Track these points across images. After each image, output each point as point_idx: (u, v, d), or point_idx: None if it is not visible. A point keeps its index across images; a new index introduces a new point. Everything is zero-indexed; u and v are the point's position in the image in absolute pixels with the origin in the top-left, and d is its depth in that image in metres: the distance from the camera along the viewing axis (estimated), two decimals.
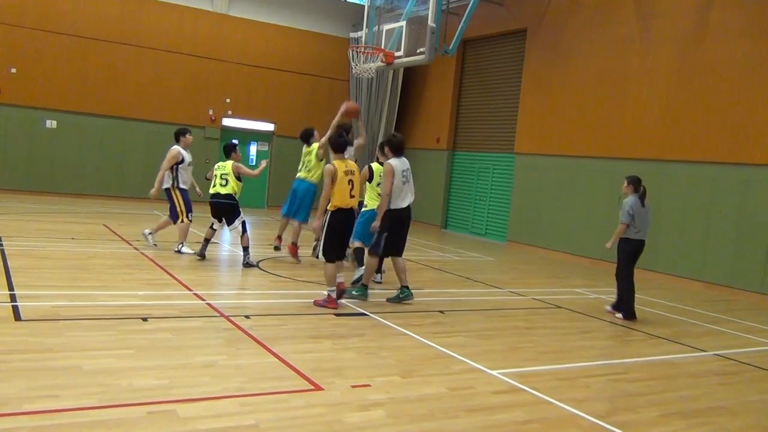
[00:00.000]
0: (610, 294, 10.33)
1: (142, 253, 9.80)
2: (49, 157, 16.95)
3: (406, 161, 8.24)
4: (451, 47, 13.96)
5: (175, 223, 10.24)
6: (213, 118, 18.84)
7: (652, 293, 10.82)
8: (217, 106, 18.96)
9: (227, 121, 19.15)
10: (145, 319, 6.19)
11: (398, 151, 8.13)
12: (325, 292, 7.50)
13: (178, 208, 10.14)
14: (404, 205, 8.07)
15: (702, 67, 12.15)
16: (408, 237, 8.55)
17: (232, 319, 6.53)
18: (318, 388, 4.78)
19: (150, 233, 10.51)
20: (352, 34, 19.53)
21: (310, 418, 4.25)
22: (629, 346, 7.14)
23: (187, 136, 10.34)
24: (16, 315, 5.97)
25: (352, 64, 14.56)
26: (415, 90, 20.09)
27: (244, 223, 9.79)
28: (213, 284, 8.39)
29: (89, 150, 17.39)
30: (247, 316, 6.68)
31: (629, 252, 8.48)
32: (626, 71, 13.49)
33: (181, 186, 10.18)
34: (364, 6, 15.34)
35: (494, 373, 5.57)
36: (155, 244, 10.42)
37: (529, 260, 13.92)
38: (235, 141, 10.46)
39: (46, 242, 10.09)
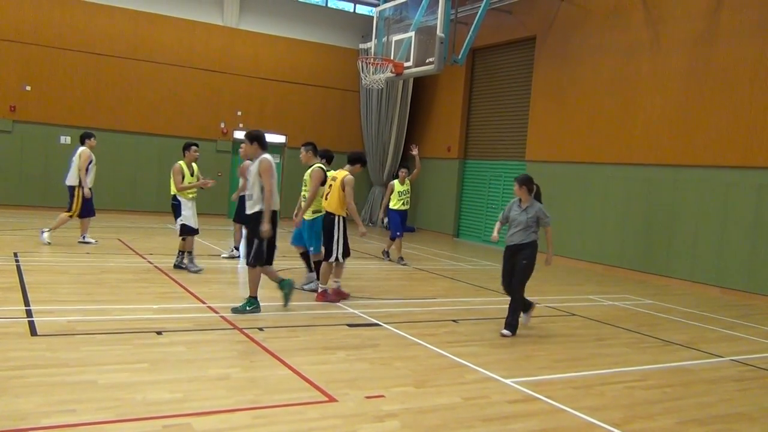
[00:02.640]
0: (625, 300, 10.27)
1: (156, 267, 9.86)
2: (64, 173, 17.07)
3: None
4: (460, 56, 13.98)
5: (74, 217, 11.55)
6: (225, 131, 18.96)
7: (668, 299, 10.74)
8: (229, 119, 19.09)
9: (239, 134, 19.26)
10: (159, 333, 6.23)
11: (266, 146, 7.51)
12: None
13: (75, 204, 11.48)
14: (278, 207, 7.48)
15: (713, 70, 12.09)
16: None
17: (246, 331, 6.55)
18: (332, 399, 4.78)
19: (47, 231, 11.47)
20: (362, 46, 19.63)
21: (324, 429, 4.25)
22: (645, 352, 7.09)
23: (92, 139, 11.73)
24: (33, 330, 6.02)
25: (362, 75, 14.61)
26: (425, 100, 20.14)
27: (182, 227, 9.72)
28: (226, 297, 8.42)
29: (103, 165, 17.34)
30: (260, 329, 6.71)
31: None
32: (637, 77, 13.45)
33: (85, 186, 11.49)
34: (372, 17, 15.41)
35: (508, 382, 5.55)
36: (49, 243, 11.28)
37: (541, 268, 13.82)
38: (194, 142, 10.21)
39: (62, 257, 10.18)
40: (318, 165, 8.80)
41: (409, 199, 12.77)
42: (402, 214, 12.61)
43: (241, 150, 9.61)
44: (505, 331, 7.31)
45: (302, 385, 5.06)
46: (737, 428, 4.91)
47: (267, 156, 7.33)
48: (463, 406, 4.89)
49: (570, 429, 4.62)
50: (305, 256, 9.24)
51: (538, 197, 7.73)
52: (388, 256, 12.93)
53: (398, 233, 12.47)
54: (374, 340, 6.65)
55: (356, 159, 8.59)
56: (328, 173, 8.62)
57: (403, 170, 12.94)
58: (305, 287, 9.00)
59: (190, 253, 9.88)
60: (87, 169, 11.57)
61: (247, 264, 7.45)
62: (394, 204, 12.55)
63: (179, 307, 7.47)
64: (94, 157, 11.75)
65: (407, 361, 5.97)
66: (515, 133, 16.94)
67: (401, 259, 12.59)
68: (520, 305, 7.50)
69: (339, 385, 5.08)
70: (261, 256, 7.34)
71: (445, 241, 17.82)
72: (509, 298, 7.60)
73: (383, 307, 8.32)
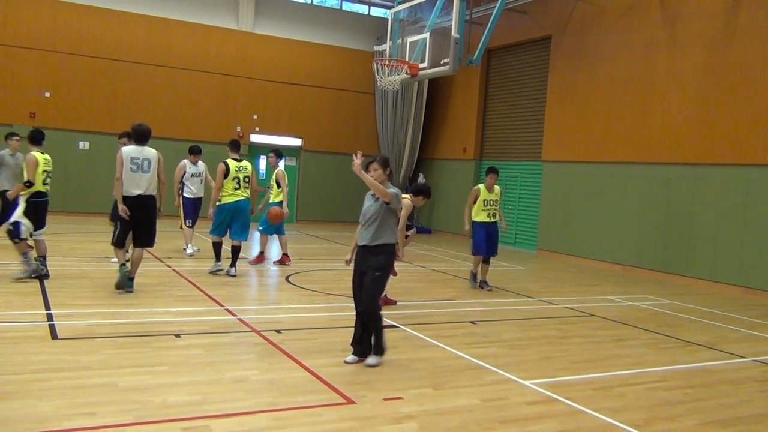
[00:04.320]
0: (644, 301, 10.18)
1: (174, 270, 9.92)
2: (84, 178, 17.28)
3: (149, 151, 8.38)
4: (475, 57, 13.94)
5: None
6: (241, 134, 19.05)
7: (688, 299, 10.63)
8: (245, 123, 19.18)
9: (255, 138, 19.36)
10: (178, 336, 6.26)
11: (139, 139, 8.37)
12: None
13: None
14: (134, 193, 8.09)
15: (731, 67, 11.96)
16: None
17: (264, 333, 6.56)
18: (350, 401, 4.78)
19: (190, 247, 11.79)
20: (377, 48, 19.65)
21: (342, 431, 4.24)
22: (665, 353, 7.01)
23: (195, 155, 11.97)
24: (53, 334, 6.08)
25: (377, 77, 14.62)
26: (440, 101, 20.11)
27: (15, 225, 8.41)
28: (244, 300, 8.46)
29: None
30: (278, 331, 6.72)
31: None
32: (654, 75, 13.34)
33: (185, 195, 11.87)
34: (387, 19, 15.41)
35: (527, 383, 5.51)
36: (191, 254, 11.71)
37: (559, 268, 13.77)
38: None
39: (81, 262, 10.28)
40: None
41: (496, 211, 10.26)
42: (488, 229, 10.17)
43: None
44: (370, 360, 5.75)
45: (320, 387, 5.07)
46: (760, 429, 4.84)
47: (124, 147, 8.31)
48: (482, 408, 4.87)
49: (590, 431, 4.58)
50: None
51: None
52: (478, 281, 10.42)
53: (480, 251, 10.19)
54: (392, 342, 6.61)
55: (419, 191, 8.20)
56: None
57: (492, 175, 10.21)
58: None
59: (39, 257, 8.67)
60: (182, 181, 11.79)
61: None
62: (477, 215, 10.15)
63: (197, 310, 7.51)
64: (188, 169, 11.83)
65: (425, 363, 5.95)
66: (531, 133, 16.87)
67: (485, 283, 10.33)
68: (379, 324, 5.85)
69: (357, 387, 5.07)
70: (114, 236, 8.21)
71: (461, 242, 17.75)
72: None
73: (400, 308, 8.31)
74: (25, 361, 5.22)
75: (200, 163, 11.95)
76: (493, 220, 10.21)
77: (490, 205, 10.16)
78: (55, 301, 7.35)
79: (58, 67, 16.97)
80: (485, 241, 10.11)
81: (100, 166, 17.41)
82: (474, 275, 10.49)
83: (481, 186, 10.20)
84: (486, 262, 10.33)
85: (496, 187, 10.28)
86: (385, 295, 8.32)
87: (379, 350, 5.84)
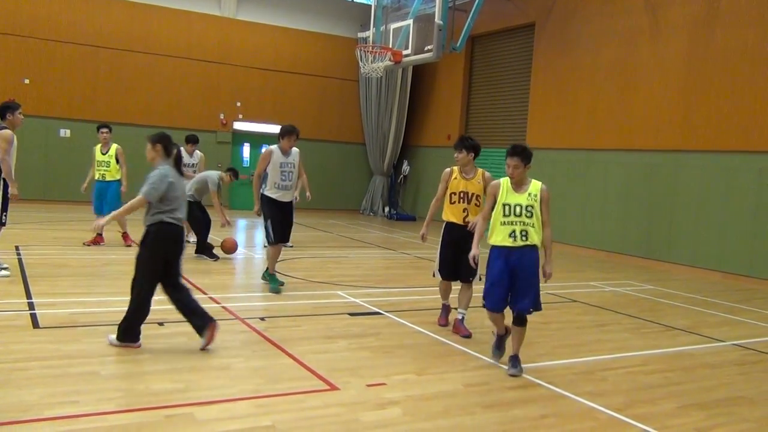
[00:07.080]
0: (626, 286, 10.27)
1: None
2: (64, 166, 17.09)
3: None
4: (458, 44, 13.94)
5: None
6: (224, 122, 18.93)
7: (669, 284, 10.75)
8: (228, 111, 19.05)
9: (238, 125, 19.24)
10: (161, 324, 6.23)
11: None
12: None
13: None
14: None
15: (713, 55, 12.04)
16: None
17: (247, 321, 6.56)
18: (334, 387, 4.80)
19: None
20: (360, 34, 19.54)
21: (326, 417, 4.26)
22: (646, 338, 7.10)
23: (190, 145, 11.59)
24: (35, 323, 6.04)
25: (361, 64, 14.57)
26: (424, 88, 20.09)
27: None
28: (228, 288, 8.44)
29: None
30: (261, 318, 6.72)
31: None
32: (637, 62, 13.41)
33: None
34: (371, 6, 15.35)
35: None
36: None
37: (543, 255, 13.84)
38: None
39: (63, 250, 10.19)
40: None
41: (528, 228, 5.54)
42: (510, 259, 5.53)
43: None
44: (110, 337, 5.42)
45: (304, 374, 5.08)
46: (738, 412, 4.92)
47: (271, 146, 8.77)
48: (465, 393, 4.91)
49: (571, 414, 4.63)
50: None
51: (178, 164, 5.74)
52: (502, 350, 5.75)
53: (491, 303, 5.55)
54: (376, 329, 6.66)
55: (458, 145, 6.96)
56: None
57: (513, 159, 5.58)
58: None
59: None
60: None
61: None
62: (494, 231, 5.63)
63: None
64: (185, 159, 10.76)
65: (409, 349, 5.98)
66: (515, 120, 16.91)
67: (514, 362, 5.42)
68: (133, 307, 5.43)
69: (341, 374, 5.09)
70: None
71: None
72: None
73: (385, 295, 8.34)
74: (7, 350, 5.18)
75: (196, 152, 11.58)
76: (522, 243, 5.51)
77: (516, 216, 5.48)
78: (36, 290, 7.29)
79: (38, 53, 16.72)
80: (501, 282, 5.49)
81: (82, 154, 17.19)
82: (500, 338, 5.78)
83: (503, 180, 5.65)
84: (518, 322, 5.49)
85: (536, 184, 5.62)
86: (462, 322, 6.69)
87: (120, 331, 5.37)
